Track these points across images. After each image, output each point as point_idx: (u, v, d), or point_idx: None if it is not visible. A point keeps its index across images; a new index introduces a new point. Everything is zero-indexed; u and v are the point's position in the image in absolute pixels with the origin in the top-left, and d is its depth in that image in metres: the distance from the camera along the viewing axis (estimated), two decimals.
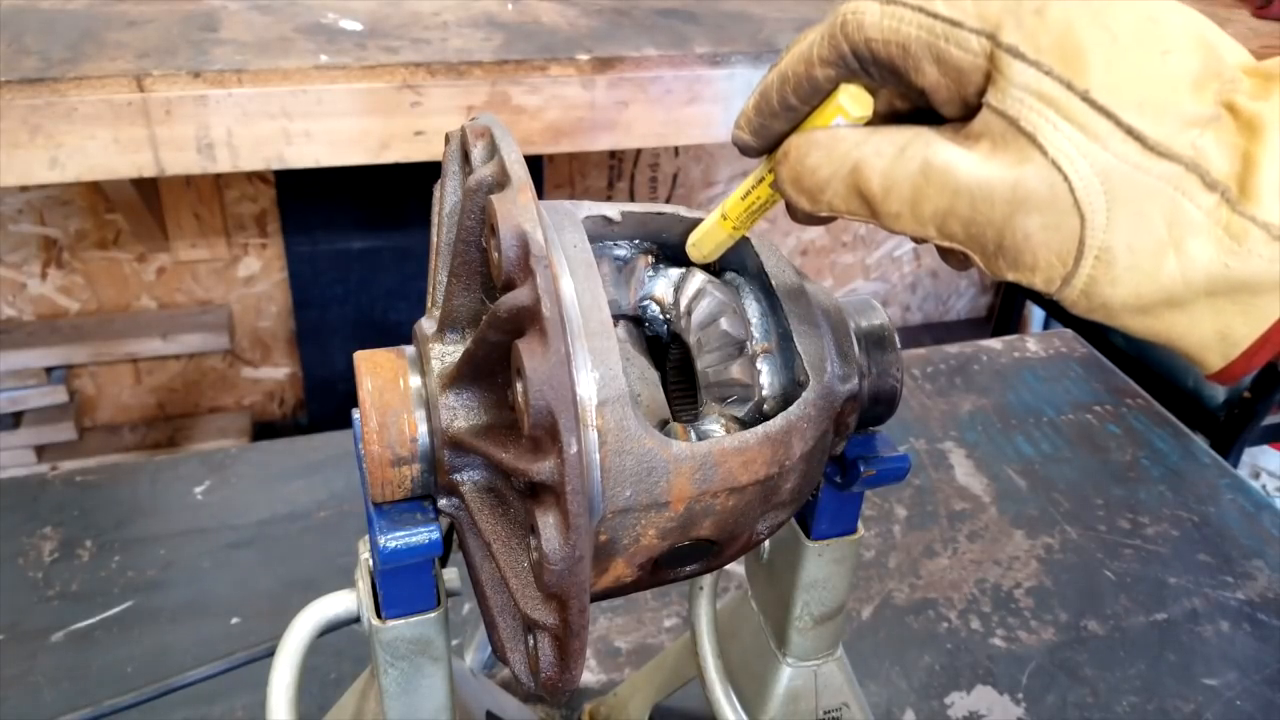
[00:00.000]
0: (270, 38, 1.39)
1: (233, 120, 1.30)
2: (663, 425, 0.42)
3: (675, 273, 0.45)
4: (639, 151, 2.38)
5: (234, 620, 0.83)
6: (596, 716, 0.77)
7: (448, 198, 0.43)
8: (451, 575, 0.47)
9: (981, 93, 0.34)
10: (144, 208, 1.95)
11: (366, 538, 0.45)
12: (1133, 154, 0.31)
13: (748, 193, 0.41)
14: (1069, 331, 1.32)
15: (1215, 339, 0.33)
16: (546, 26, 1.51)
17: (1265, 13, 1.77)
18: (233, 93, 1.29)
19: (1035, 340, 1.29)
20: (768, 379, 0.43)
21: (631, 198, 2.43)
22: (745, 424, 0.43)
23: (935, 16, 0.34)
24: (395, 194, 2.02)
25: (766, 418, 0.42)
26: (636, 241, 0.46)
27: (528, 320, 0.34)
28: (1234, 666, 0.86)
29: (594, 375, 0.37)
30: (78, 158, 1.27)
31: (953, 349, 1.26)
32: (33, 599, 0.84)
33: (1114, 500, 1.03)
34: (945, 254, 0.38)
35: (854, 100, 0.37)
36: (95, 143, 1.27)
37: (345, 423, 0.56)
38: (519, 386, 0.34)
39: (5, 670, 0.78)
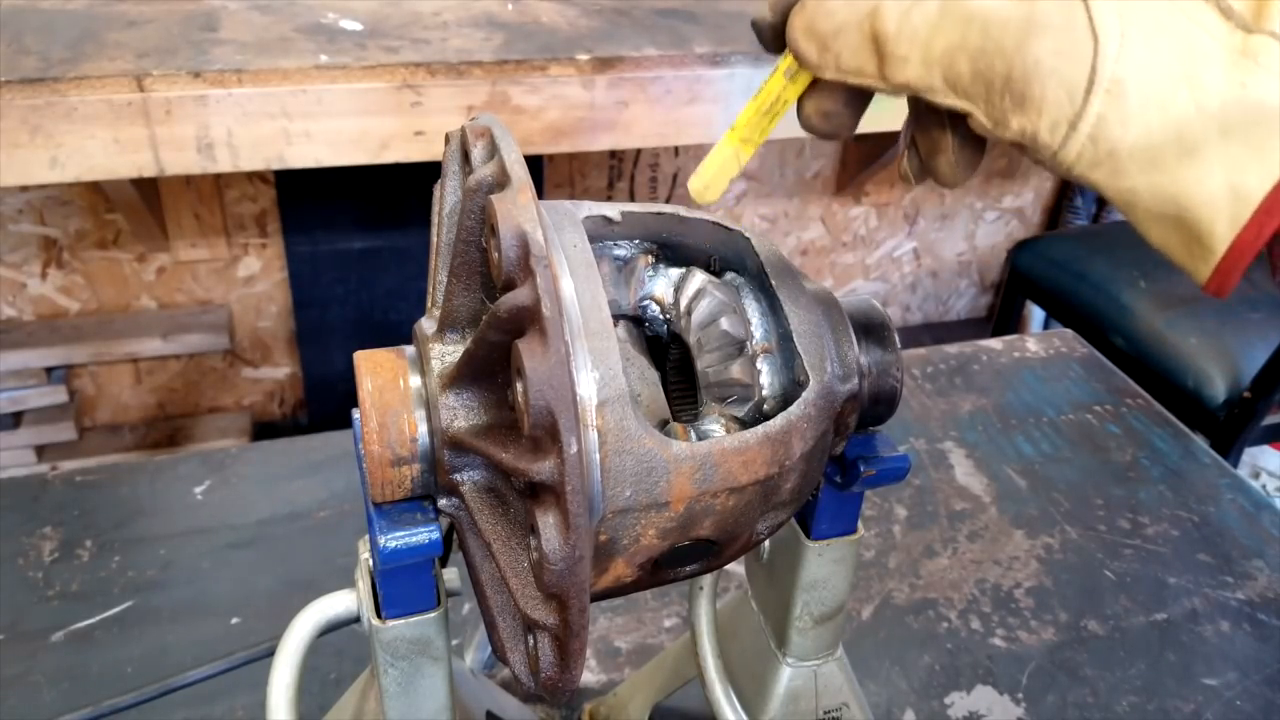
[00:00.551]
0: (270, 38, 1.39)
1: (233, 120, 1.30)
2: (663, 425, 0.42)
3: (675, 273, 0.45)
4: (639, 151, 2.38)
5: (234, 620, 0.83)
6: (596, 716, 0.77)
7: (448, 198, 0.43)
8: (451, 575, 0.47)
9: None
10: (144, 208, 1.95)
11: (366, 538, 0.45)
12: None
13: (759, 91, 0.41)
14: (1069, 331, 1.32)
15: (1227, 195, 0.31)
16: (546, 26, 1.51)
17: None
18: (233, 93, 1.29)
19: (1035, 340, 1.29)
20: (768, 379, 0.43)
21: (631, 198, 2.44)
22: (745, 424, 0.43)
23: None
24: (395, 194, 2.02)
25: (766, 418, 0.42)
26: (636, 241, 0.46)
27: (528, 320, 0.34)
28: (1234, 666, 0.86)
29: (594, 375, 0.37)
30: (78, 158, 1.27)
31: (953, 349, 1.26)
32: (33, 599, 0.84)
33: (1114, 500, 1.03)
34: (932, 146, 0.37)
35: None
36: (95, 143, 1.27)
37: (345, 423, 0.56)
38: (519, 386, 0.34)
39: (5, 670, 0.78)
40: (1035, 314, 2.77)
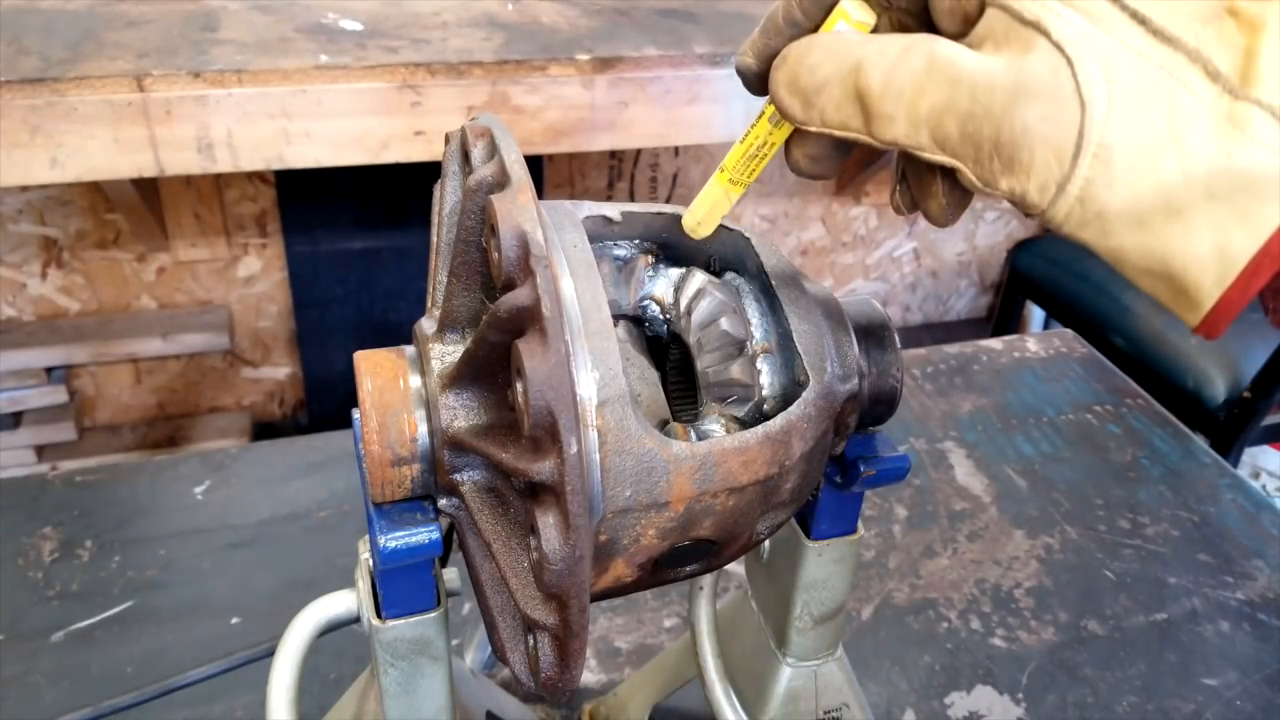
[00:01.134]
0: (270, 38, 1.39)
1: (233, 120, 1.30)
2: (663, 425, 0.42)
3: (675, 273, 0.45)
4: (639, 151, 2.38)
5: (234, 620, 0.83)
6: (596, 716, 0.77)
7: (448, 198, 0.43)
8: (451, 575, 0.47)
9: (983, 4, 0.34)
10: (144, 208, 1.95)
11: (366, 538, 0.45)
12: (1137, 39, 0.31)
13: (746, 134, 0.41)
14: (1069, 331, 1.32)
15: (1214, 255, 0.31)
16: (546, 26, 1.51)
17: None
18: (233, 93, 1.29)
19: (1035, 340, 1.29)
20: (768, 379, 0.43)
21: (631, 198, 2.43)
22: (745, 424, 0.43)
23: None
24: (395, 194, 2.02)
25: (766, 418, 0.42)
26: (636, 241, 0.46)
27: (528, 320, 0.34)
28: (1234, 666, 0.86)
29: (594, 375, 0.37)
30: (78, 158, 1.27)
31: (953, 349, 1.26)
32: (33, 599, 0.84)
33: (1114, 500, 1.03)
34: (924, 190, 0.37)
35: (857, 4, 0.37)
36: (95, 143, 1.27)
37: (345, 423, 0.56)
38: (519, 386, 0.34)
39: (5, 670, 0.78)
40: (1035, 314, 2.77)
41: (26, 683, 0.77)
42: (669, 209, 0.45)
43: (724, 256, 0.46)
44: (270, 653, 0.48)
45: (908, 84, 0.34)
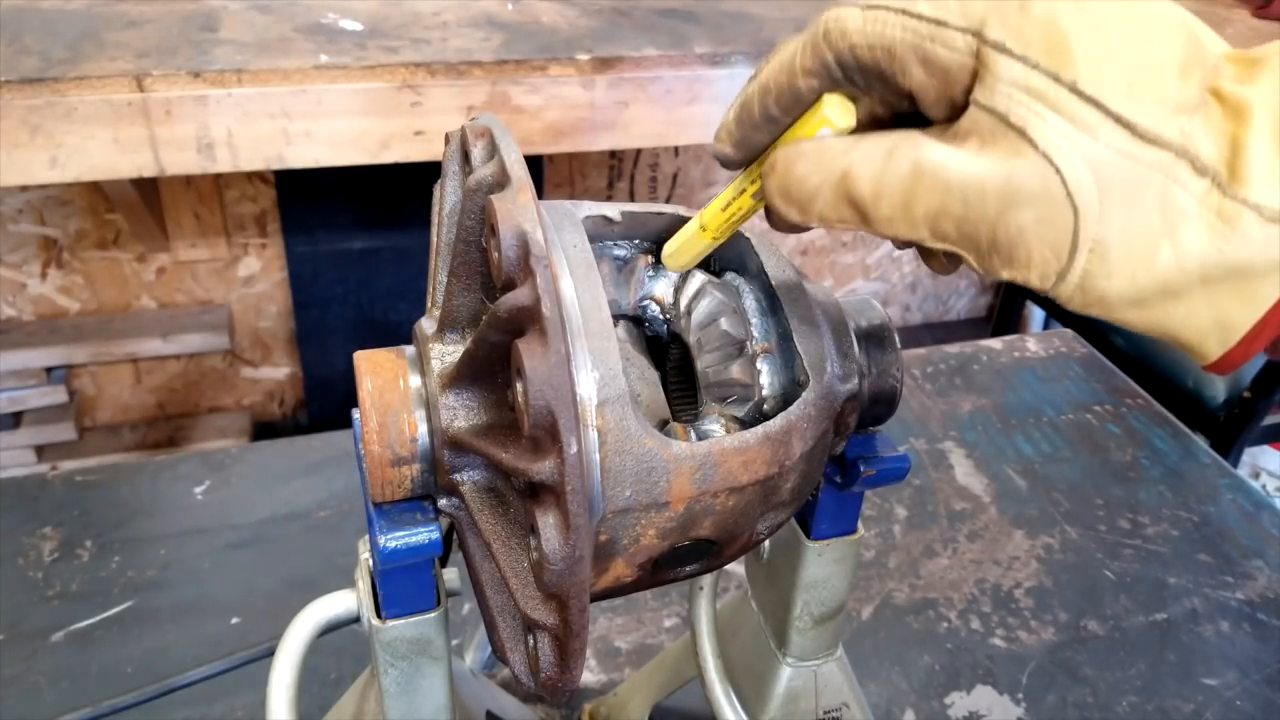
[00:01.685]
0: (270, 38, 1.39)
1: (233, 120, 1.30)
2: (663, 425, 0.42)
3: (675, 273, 0.45)
4: (639, 151, 2.38)
5: (234, 620, 0.83)
6: (596, 716, 0.77)
7: (448, 198, 0.43)
8: (451, 575, 0.47)
9: (969, 91, 0.33)
10: (144, 208, 1.95)
11: (366, 538, 0.45)
12: (1123, 142, 0.31)
13: (728, 204, 0.41)
14: (1069, 331, 1.32)
15: (1213, 327, 0.33)
16: (546, 26, 1.51)
17: (1265, 13, 1.77)
18: (233, 93, 1.29)
19: (1035, 340, 1.29)
20: (768, 379, 0.43)
21: (631, 198, 2.44)
22: (745, 424, 0.43)
23: (919, 17, 0.34)
24: (395, 194, 2.02)
25: (766, 418, 0.42)
26: (636, 241, 0.46)
27: (528, 320, 0.34)
28: (1234, 666, 0.86)
29: (594, 375, 0.37)
30: (78, 158, 1.27)
31: (953, 349, 1.26)
32: (33, 599, 0.84)
33: (1114, 500, 1.03)
34: (928, 256, 0.38)
35: (839, 110, 0.37)
36: (95, 143, 1.27)
37: (345, 423, 0.56)
38: (519, 386, 0.34)
39: (5, 670, 0.78)
40: (1035, 314, 2.77)
41: (26, 683, 0.77)
42: (669, 209, 0.45)
43: (724, 256, 0.46)
44: (270, 653, 0.48)
45: (898, 189, 0.34)
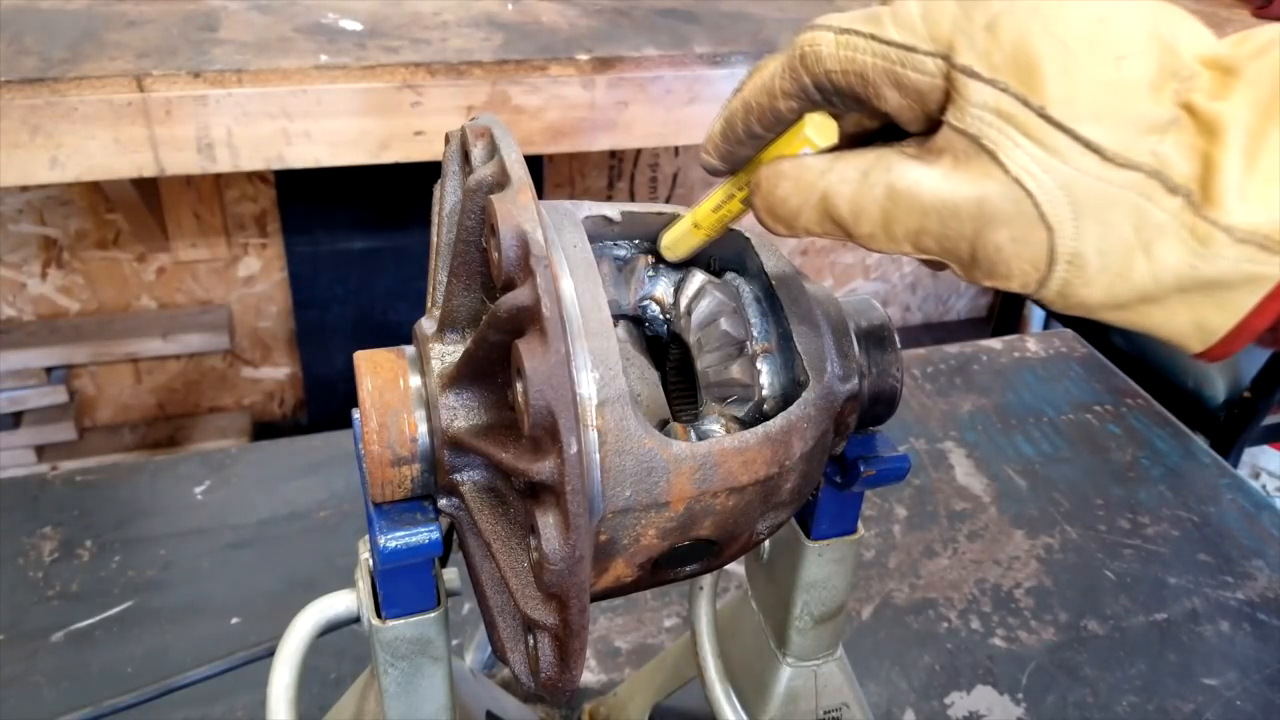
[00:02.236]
0: (270, 38, 1.39)
1: (233, 120, 1.30)
2: (663, 425, 0.42)
3: (675, 273, 0.45)
4: (639, 151, 2.38)
5: (234, 620, 0.83)
6: (596, 716, 0.77)
7: (448, 198, 0.43)
8: (451, 575, 0.47)
9: (944, 108, 0.34)
10: (144, 208, 1.95)
11: (366, 538, 0.45)
12: (1093, 166, 0.31)
13: (719, 206, 0.42)
14: (1069, 331, 1.32)
15: (1193, 329, 0.33)
16: (546, 26, 1.51)
17: (1265, 12, 1.77)
18: (233, 93, 1.29)
19: (1035, 340, 1.29)
20: (768, 379, 0.43)
21: (631, 198, 2.43)
22: (745, 424, 0.43)
23: (889, 43, 0.34)
24: (395, 194, 2.02)
25: (766, 418, 0.42)
26: (636, 241, 0.46)
27: (528, 320, 0.34)
28: (1234, 666, 0.86)
29: (594, 375, 0.37)
30: (78, 158, 1.27)
31: (953, 349, 1.26)
32: (33, 599, 0.84)
33: (1114, 500, 1.03)
34: (925, 260, 0.39)
35: (819, 131, 0.37)
36: (95, 143, 1.27)
37: (345, 423, 0.56)
38: (519, 386, 0.34)
39: (5, 670, 0.78)
40: (1035, 314, 2.77)
41: (26, 683, 0.77)
42: (669, 209, 0.45)
43: (724, 256, 0.46)
44: (270, 653, 0.48)
45: (876, 211, 0.35)
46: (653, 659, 0.74)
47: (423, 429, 0.40)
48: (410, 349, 0.42)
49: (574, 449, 0.33)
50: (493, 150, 0.39)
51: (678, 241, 0.44)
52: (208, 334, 2.17)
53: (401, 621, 0.45)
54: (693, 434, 0.42)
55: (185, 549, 0.89)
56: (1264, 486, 2.44)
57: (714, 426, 0.42)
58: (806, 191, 0.37)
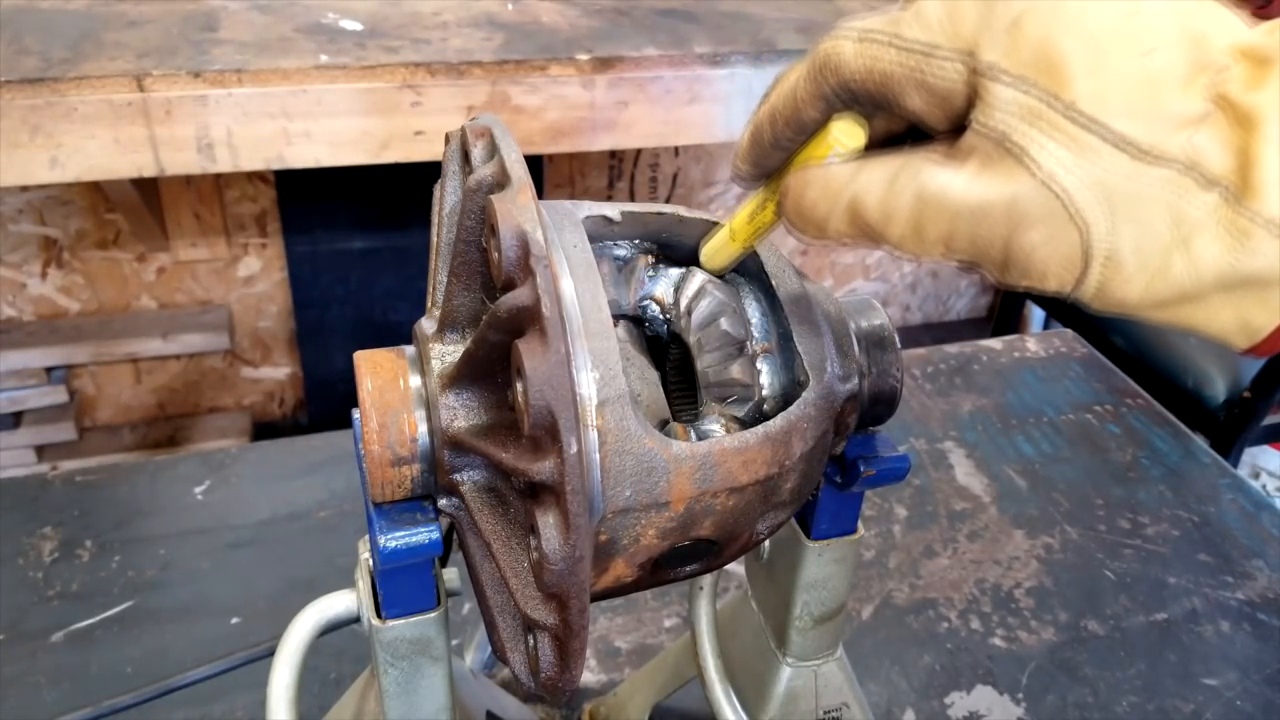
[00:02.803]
0: (270, 38, 1.39)
1: (233, 120, 1.30)
2: (663, 425, 0.42)
3: (675, 273, 0.45)
4: (639, 151, 2.38)
5: (234, 620, 0.83)
6: (596, 716, 0.77)
7: (448, 198, 0.43)
8: (451, 575, 0.47)
9: (969, 109, 0.33)
10: (144, 208, 1.95)
11: (366, 538, 0.45)
12: (1125, 163, 0.31)
13: (753, 216, 0.42)
14: (1069, 331, 1.32)
15: (1236, 326, 0.33)
16: (546, 26, 1.51)
17: (1265, 12, 1.77)
18: (233, 93, 1.29)
19: (1035, 340, 1.29)
20: (768, 379, 0.43)
21: (631, 198, 2.43)
22: (745, 424, 0.43)
23: (910, 46, 0.33)
24: (395, 194, 2.02)
25: (767, 418, 0.42)
26: (636, 241, 0.46)
27: (528, 320, 0.34)
28: (1234, 666, 0.86)
29: (594, 375, 0.37)
30: (78, 158, 1.27)
31: (953, 349, 1.26)
32: (33, 599, 0.84)
33: (1114, 500, 1.03)
34: (959, 263, 0.38)
35: (846, 134, 0.37)
36: (95, 143, 1.27)
37: (345, 423, 0.56)
38: (519, 386, 0.34)
39: (5, 670, 0.78)
40: (1035, 314, 2.77)
41: (26, 683, 0.77)
42: (669, 209, 0.45)
43: None
44: (270, 653, 0.48)
45: (907, 215, 0.34)
46: (653, 659, 0.74)
47: (423, 429, 0.40)
48: (410, 349, 0.42)
49: (574, 449, 0.33)
50: (493, 150, 0.39)
51: (716, 253, 0.44)
52: (208, 334, 2.17)
53: (401, 621, 0.45)
54: (693, 434, 0.42)
55: (185, 549, 0.89)
56: (1264, 486, 2.44)
57: (714, 426, 0.42)
58: (835, 197, 0.36)
